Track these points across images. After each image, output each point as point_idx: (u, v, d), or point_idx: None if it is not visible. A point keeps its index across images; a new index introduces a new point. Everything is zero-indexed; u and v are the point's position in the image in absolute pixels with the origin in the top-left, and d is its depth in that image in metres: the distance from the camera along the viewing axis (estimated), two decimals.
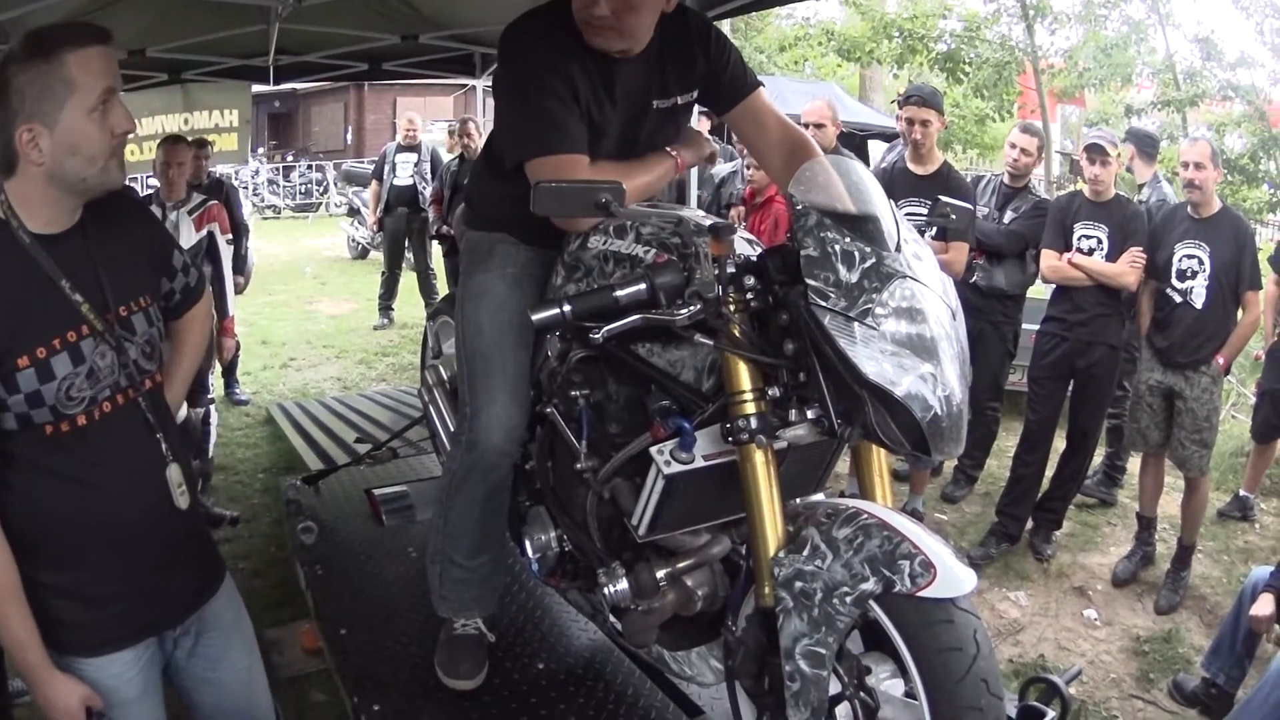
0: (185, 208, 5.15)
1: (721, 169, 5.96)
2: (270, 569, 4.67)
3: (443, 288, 8.99)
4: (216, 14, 5.42)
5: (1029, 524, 5.23)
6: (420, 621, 2.90)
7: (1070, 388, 5.12)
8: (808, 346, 1.70)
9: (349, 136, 25.49)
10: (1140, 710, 3.99)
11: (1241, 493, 5.86)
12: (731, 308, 1.79)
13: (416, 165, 9.33)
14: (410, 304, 10.01)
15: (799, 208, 1.77)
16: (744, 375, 1.80)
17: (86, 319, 1.90)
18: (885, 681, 1.74)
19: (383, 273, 10.04)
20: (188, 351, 2.36)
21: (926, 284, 1.71)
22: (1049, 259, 4.97)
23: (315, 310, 11.20)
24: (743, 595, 1.99)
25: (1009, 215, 5.31)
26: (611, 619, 2.29)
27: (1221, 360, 4.74)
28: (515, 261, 2.48)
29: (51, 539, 1.93)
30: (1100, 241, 4.85)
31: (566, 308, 1.81)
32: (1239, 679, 3.88)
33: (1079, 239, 4.90)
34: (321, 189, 21.93)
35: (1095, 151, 4.88)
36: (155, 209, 5.09)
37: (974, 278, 5.13)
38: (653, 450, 1.94)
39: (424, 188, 9.25)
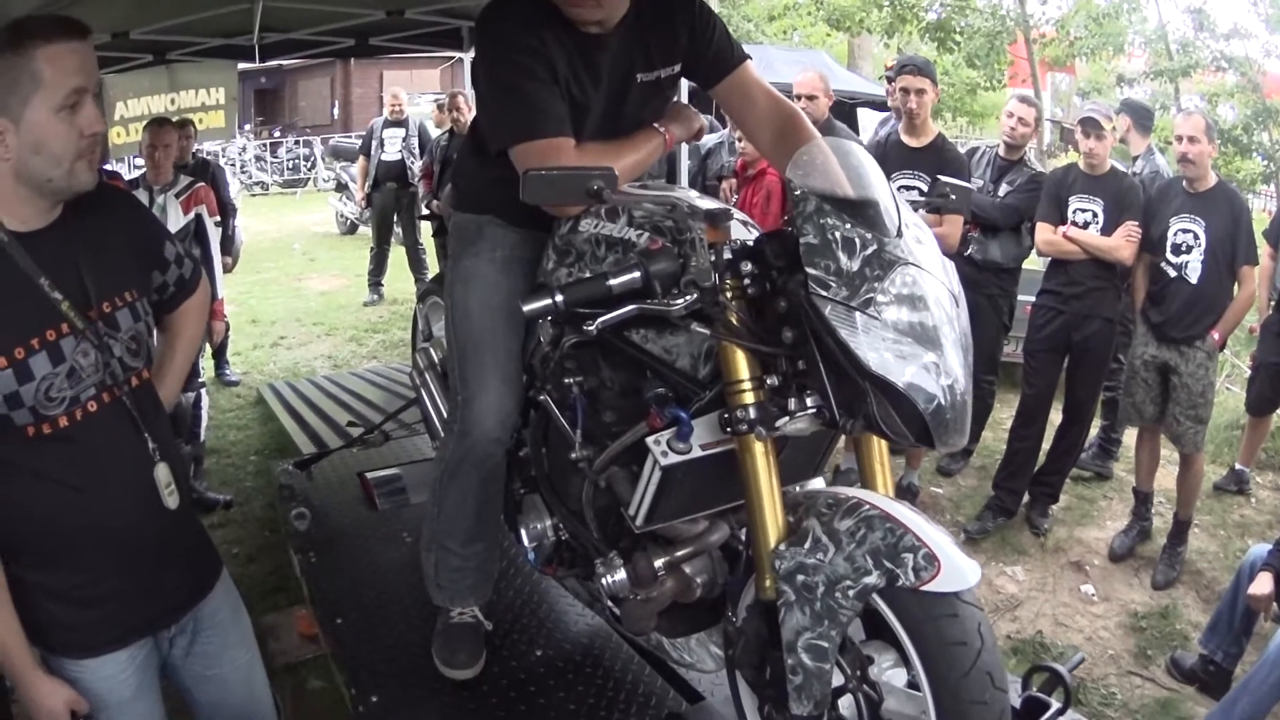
0: (172, 190, 5.11)
1: (708, 140, 5.88)
2: (264, 554, 4.66)
3: (432, 262, 8.93)
4: None
5: (1025, 498, 5.24)
6: (416, 609, 2.87)
7: (1066, 361, 5.10)
8: (807, 335, 1.65)
9: (336, 111, 25.33)
10: (1138, 687, 4.00)
11: (1237, 466, 5.87)
12: (728, 295, 1.75)
13: (404, 140, 9.29)
14: (400, 279, 9.99)
15: (797, 193, 1.71)
16: (742, 364, 1.76)
17: (66, 317, 1.85)
18: (888, 671, 1.72)
19: (371, 248, 9.99)
20: (182, 345, 2.31)
21: (929, 269, 1.67)
22: (1044, 232, 4.96)
23: (305, 287, 11.14)
24: (742, 584, 1.96)
25: (1004, 188, 5.26)
26: (609, 607, 2.27)
27: (1217, 335, 4.72)
28: (504, 244, 2.43)
29: (37, 541, 1.89)
30: (1095, 215, 4.84)
31: (559, 297, 1.75)
32: (1237, 656, 3.89)
33: (1074, 212, 4.89)
34: (309, 164, 21.77)
35: (1090, 125, 4.85)
36: (142, 192, 5.04)
37: (969, 250, 5.08)
38: (649, 441, 1.90)
39: (412, 163, 9.23)
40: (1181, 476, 4.92)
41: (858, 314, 1.59)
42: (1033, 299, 5.21)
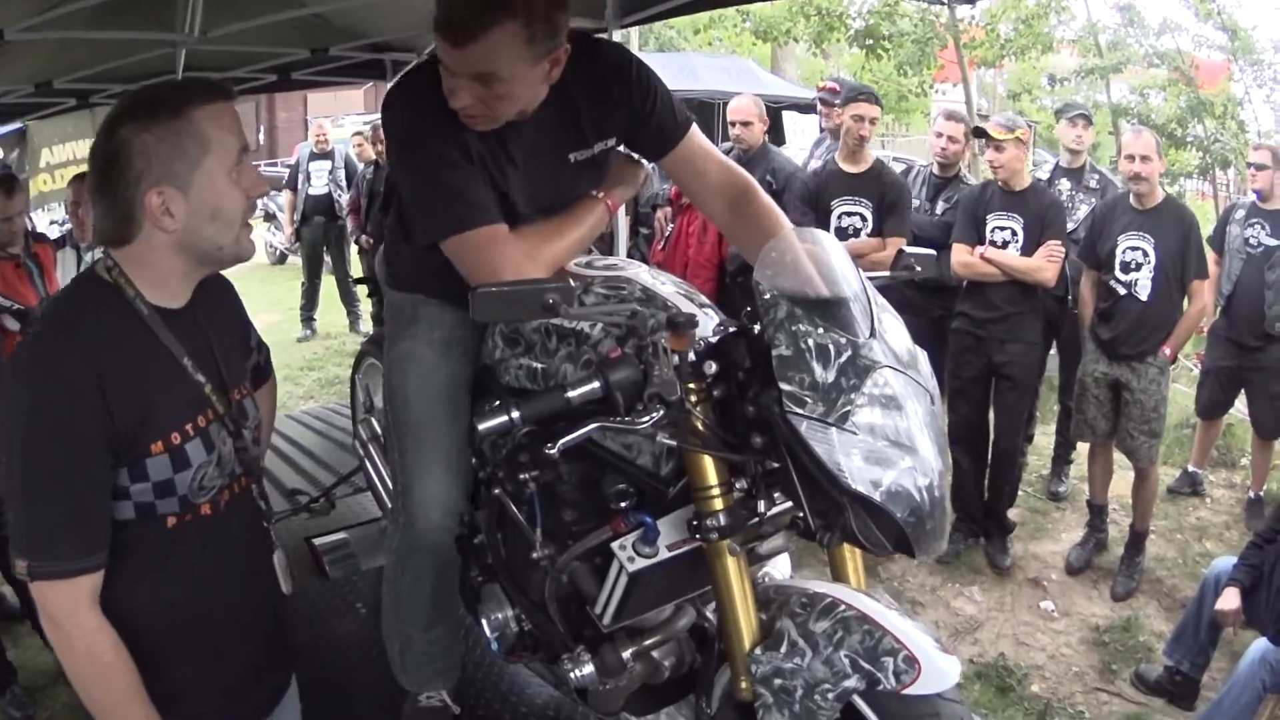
0: (100, 247, 4.93)
1: None
2: None
3: (364, 298, 8.81)
4: (120, 44, 5.22)
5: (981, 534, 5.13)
6: (379, 689, 2.78)
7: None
8: (779, 443, 1.60)
9: (261, 137, 24.89)
10: (1106, 703, 4.00)
11: (1190, 468, 5.92)
12: (693, 399, 1.69)
13: (331, 173, 9.19)
14: (332, 311, 9.85)
15: (767, 296, 1.65)
16: (709, 470, 1.70)
17: (211, 402, 1.73)
18: None
19: (303, 283, 9.84)
20: (260, 431, 2.22)
21: (904, 368, 1.62)
22: (960, 253, 4.74)
23: None
24: (714, 671, 1.91)
25: (941, 206, 5.22)
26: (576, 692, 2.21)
27: (1168, 350, 4.67)
28: (442, 324, 2.34)
29: (160, 640, 1.73)
30: (1015, 233, 4.67)
31: (515, 414, 1.67)
32: (1203, 665, 3.90)
33: (992, 231, 4.70)
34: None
35: (987, 138, 4.74)
36: (69, 251, 4.86)
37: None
38: (614, 546, 1.85)
39: (339, 195, 9.11)
40: (1137, 489, 4.91)
41: (834, 430, 1.53)
42: None
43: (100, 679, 1.63)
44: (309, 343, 9.71)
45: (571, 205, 2.21)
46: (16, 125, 8.78)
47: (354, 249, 9.12)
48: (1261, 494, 5.56)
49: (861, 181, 4.84)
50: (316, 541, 3.77)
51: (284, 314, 10.78)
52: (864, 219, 4.85)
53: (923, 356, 1.72)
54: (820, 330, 1.60)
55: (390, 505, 2.86)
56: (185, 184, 1.61)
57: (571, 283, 1.64)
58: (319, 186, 9.24)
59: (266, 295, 12.18)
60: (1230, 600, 3.61)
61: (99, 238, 1.71)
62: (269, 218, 15.09)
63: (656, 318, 1.73)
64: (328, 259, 9.61)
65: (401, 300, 2.43)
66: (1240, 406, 5.79)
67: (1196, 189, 13.22)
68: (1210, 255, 5.17)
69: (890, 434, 1.56)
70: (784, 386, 1.56)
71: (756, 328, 1.67)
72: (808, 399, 1.55)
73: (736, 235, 2.33)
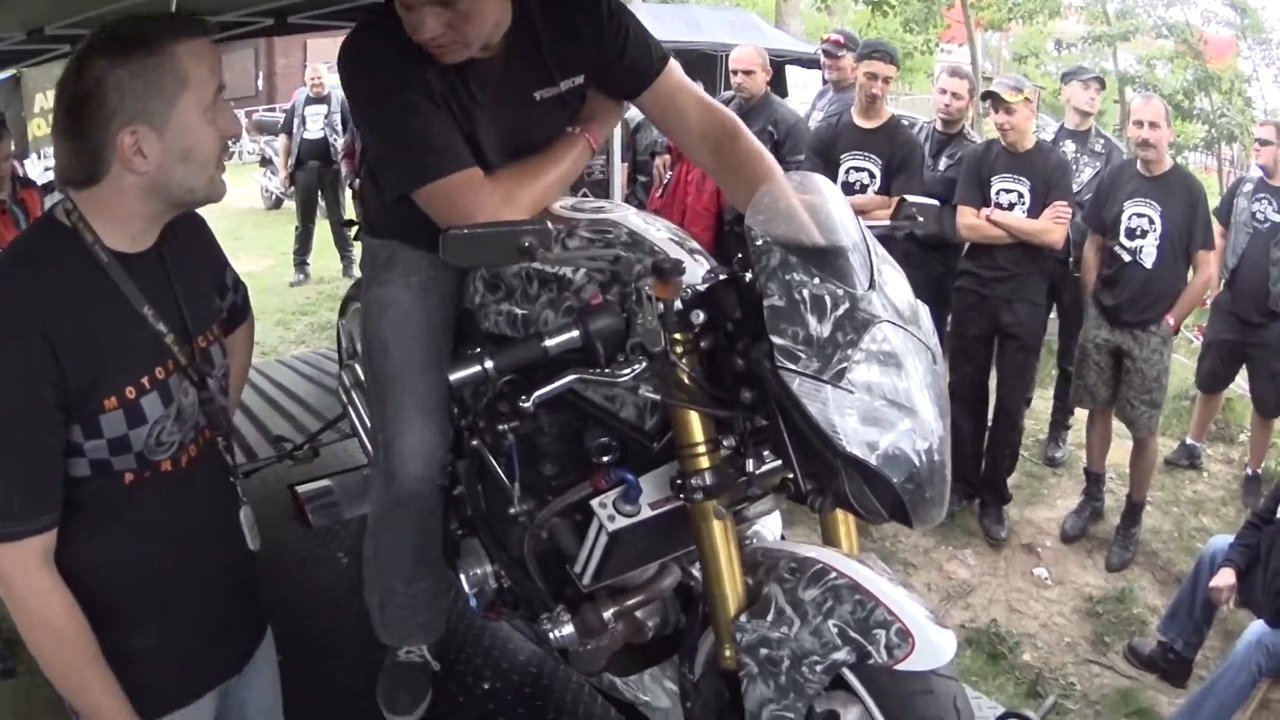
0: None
1: (636, 114, 5.74)
2: None
3: (358, 244, 8.71)
4: None
5: (977, 503, 5.08)
6: (358, 642, 2.71)
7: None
8: (769, 398, 1.50)
9: (260, 83, 24.58)
10: (1097, 676, 3.98)
11: (1188, 441, 5.86)
12: (678, 351, 1.59)
13: (326, 117, 9.09)
14: (326, 255, 9.75)
15: (759, 243, 1.54)
16: (695, 427, 1.61)
17: (171, 352, 1.64)
18: None
19: (296, 227, 9.73)
20: (234, 376, 2.09)
21: (904, 324, 1.52)
22: (966, 216, 4.67)
23: None
24: (698, 635, 1.84)
25: (944, 162, 5.12)
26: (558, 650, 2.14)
27: (1172, 320, 4.62)
28: (418, 268, 2.23)
29: (119, 599, 1.67)
30: (1021, 195, 4.60)
31: (489, 364, 1.57)
32: (1197, 645, 3.89)
33: (997, 193, 4.64)
34: (234, 139, 21.18)
35: (994, 100, 4.67)
36: (56, 196, 4.75)
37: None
38: (594, 504, 1.77)
39: (335, 140, 9.02)
40: (1135, 459, 4.86)
41: (829, 388, 1.43)
42: None
43: (53, 642, 1.56)
44: (302, 287, 9.63)
45: (549, 144, 2.09)
46: (9, 73, 8.65)
47: (349, 193, 9.01)
48: (1259, 472, 5.51)
49: (873, 137, 4.75)
50: (300, 489, 3.69)
51: (277, 258, 10.69)
52: (872, 175, 4.77)
53: (924, 312, 1.62)
54: (816, 280, 1.49)
55: (373, 452, 2.78)
56: (161, 123, 1.51)
57: (550, 225, 1.54)
58: (314, 131, 9.14)
59: (261, 239, 12.12)
60: (1225, 578, 3.58)
61: (60, 178, 1.62)
62: (265, 162, 15.02)
63: (642, 263, 1.62)
64: (323, 204, 9.53)
65: (378, 246, 2.33)
66: (1241, 382, 5.72)
67: (1200, 162, 13.09)
68: (1216, 227, 5.09)
69: (888, 393, 1.46)
70: (776, 340, 1.46)
71: (748, 276, 1.57)
72: (801, 354, 1.45)
73: (723, 180, 2.24)
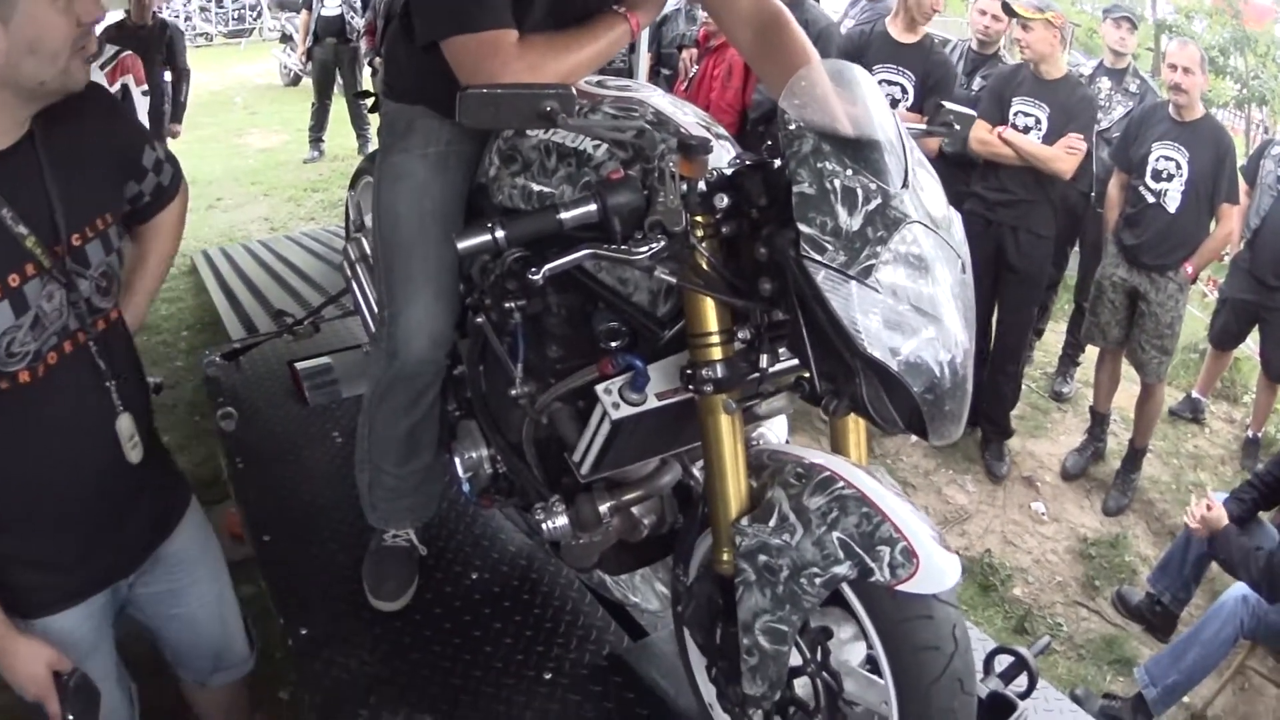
0: (96, 62, 4.69)
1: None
2: (195, 443, 4.44)
3: (374, 120, 8.60)
4: None
5: (978, 435, 5.01)
6: (348, 524, 2.71)
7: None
8: (790, 291, 1.42)
9: None
10: (1084, 619, 3.97)
11: (1194, 394, 5.81)
12: (699, 234, 1.50)
13: None
14: (342, 134, 9.64)
15: (792, 127, 1.44)
16: (710, 315, 1.53)
17: (32, 256, 1.57)
18: (847, 646, 1.59)
19: (313, 104, 9.62)
20: (154, 261, 2.05)
21: (937, 229, 1.43)
22: (979, 129, 4.49)
23: (244, 144, 10.69)
24: (694, 536, 1.79)
25: (977, 83, 5.00)
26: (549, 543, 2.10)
27: (1190, 269, 4.59)
28: (438, 139, 2.13)
29: None
30: (1039, 121, 4.51)
31: (499, 233, 1.48)
32: (1184, 601, 3.90)
33: (1015, 115, 4.54)
34: (254, 14, 20.79)
35: (1014, 15, 4.55)
36: None
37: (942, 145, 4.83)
38: (599, 389, 1.70)
39: (352, 17, 8.88)
40: (1141, 404, 4.83)
41: (854, 284, 1.35)
42: None
43: None
44: (315, 164, 9.56)
45: (590, 19, 1.97)
46: None
47: (367, 71, 8.86)
48: (1259, 435, 5.47)
49: (908, 52, 4.60)
50: (299, 365, 3.63)
51: (293, 135, 10.60)
52: (904, 90, 4.63)
53: (957, 220, 1.52)
54: (849, 172, 1.40)
55: (374, 330, 2.71)
56: (5, 15, 1.45)
57: (574, 92, 1.44)
58: (331, 7, 9.02)
59: (277, 116, 11.99)
60: (1216, 518, 3.50)
61: None
62: (285, 39, 14.77)
63: (667, 141, 1.53)
64: (340, 82, 9.40)
65: (397, 112, 2.22)
66: (1251, 342, 5.66)
67: (1229, 122, 12.88)
68: (1241, 185, 4.99)
69: (914, 298, 1.37)
70: (803, 228, 1.37)
71: (777, 163, 1.48)
72: (828, 245, 1.37)
73: (762, 67, 2.12)
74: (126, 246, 1.91)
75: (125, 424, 1.80)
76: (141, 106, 5.06)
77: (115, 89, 4.76)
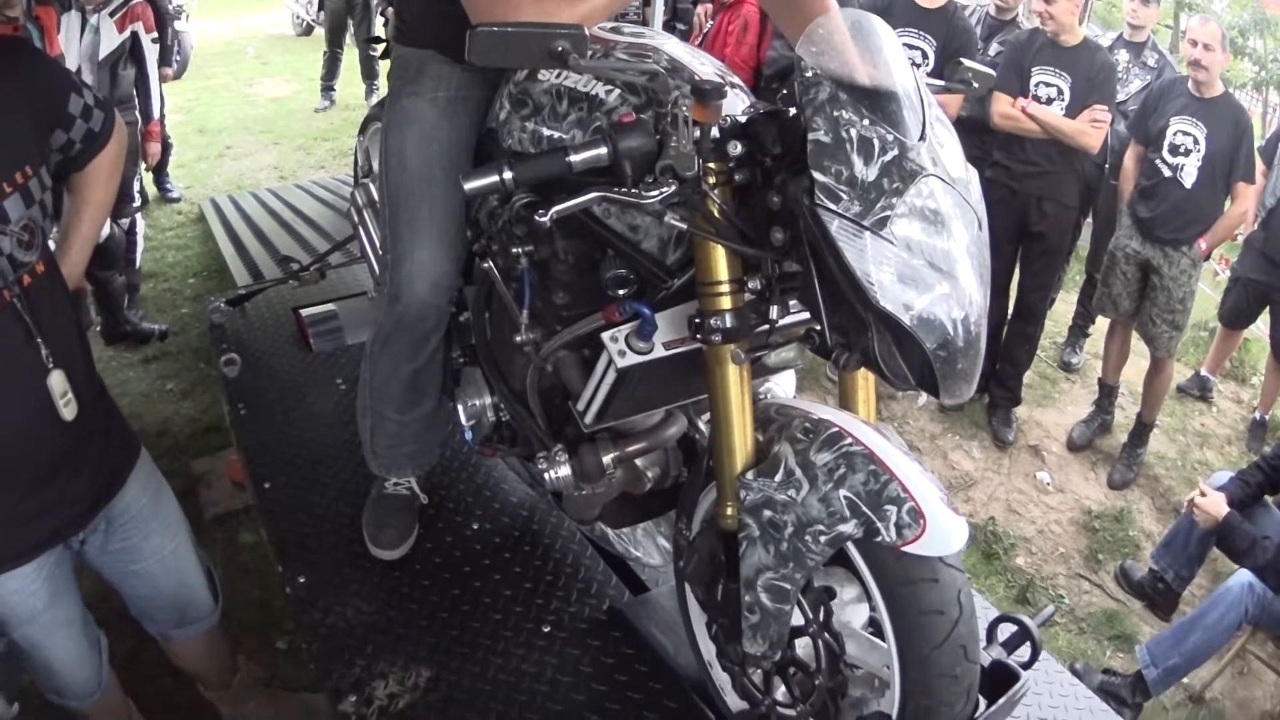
0: (106, 9, 4.62)
1: None
2: (199, 389, 4.43)
3: (384, 69, 8.51)
4: None
5: (986, 400, 4.98)
6: (349, 472, 2.70)
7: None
8: (802, 241, 1.39)
9: None
10: (1086, 593, 3.95)
11: (1203, 372, 5.76)
12: (711, 181, 1.47)
13: None
14: (354, 83, 9.51)
15: (809, 75, 1.40)
16: (721, 263, 1.50)
17: None
18: (849, 606, 1.58)
19: (324, 52, 9.45)
20: (89, 210, 2.00)
21: (953, 184, 1.39)
22: (1001, 104, 4.45)
23: (255, 94, 10.55)
24: (699, 490, 1.77)
25: (994, 48, 4.90)
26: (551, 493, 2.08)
27: (1204, 245, 4.54)
28: (449, 84, 2.09)
29: None
30: (1061, 91, 4.41)
31: (507, 174, 1.44)
32: (1187, 579, 3.88)
33: (1037, 85, 4.44)
34: None
35: None
36: (74, 14, 4.56)
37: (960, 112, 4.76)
38: (605, 337, 1.67)
39: None
40: (1150, 378, 4.80)
41: (868, 235, 1.32)
42: None
43: None
44: (326, 113, 9.43)
45: None
46: None
47: (379, 20, 8.75)
48: (1266, 418, 5.43)
49: (929, 17, 4.49)
50: (303, 312, 3.60)
51: (304, 84, 10.47)
52: (925, 55, 4.53)
53: (975, 178, 1.49)
54: (865, 121, 1.36)
55: (376, 283, 2.68)
56: None
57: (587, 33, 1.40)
58: None
59: (289, 65, 11.87)
60: (1214, 506, 3.48)
61: None
62: None
63: (680, 87, 1.48)
64: (352, 31, 9.21)
65: (408, 55, 2.18)
66: (1262, 324, 5.59)
67: (1246, 104, 12.79)
68: (1258, 165, 4.92)
69: (928, 253, 1.34)
70: (818, 176, 1.34)
71: (792, 112, 1.44)
72: (843, 194, 1.33)
73: (781, 15, 2.10)
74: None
75: (57, 381, 1.77)
76: (151, 54, 4.96)
77: (125, 36, 4.66)
